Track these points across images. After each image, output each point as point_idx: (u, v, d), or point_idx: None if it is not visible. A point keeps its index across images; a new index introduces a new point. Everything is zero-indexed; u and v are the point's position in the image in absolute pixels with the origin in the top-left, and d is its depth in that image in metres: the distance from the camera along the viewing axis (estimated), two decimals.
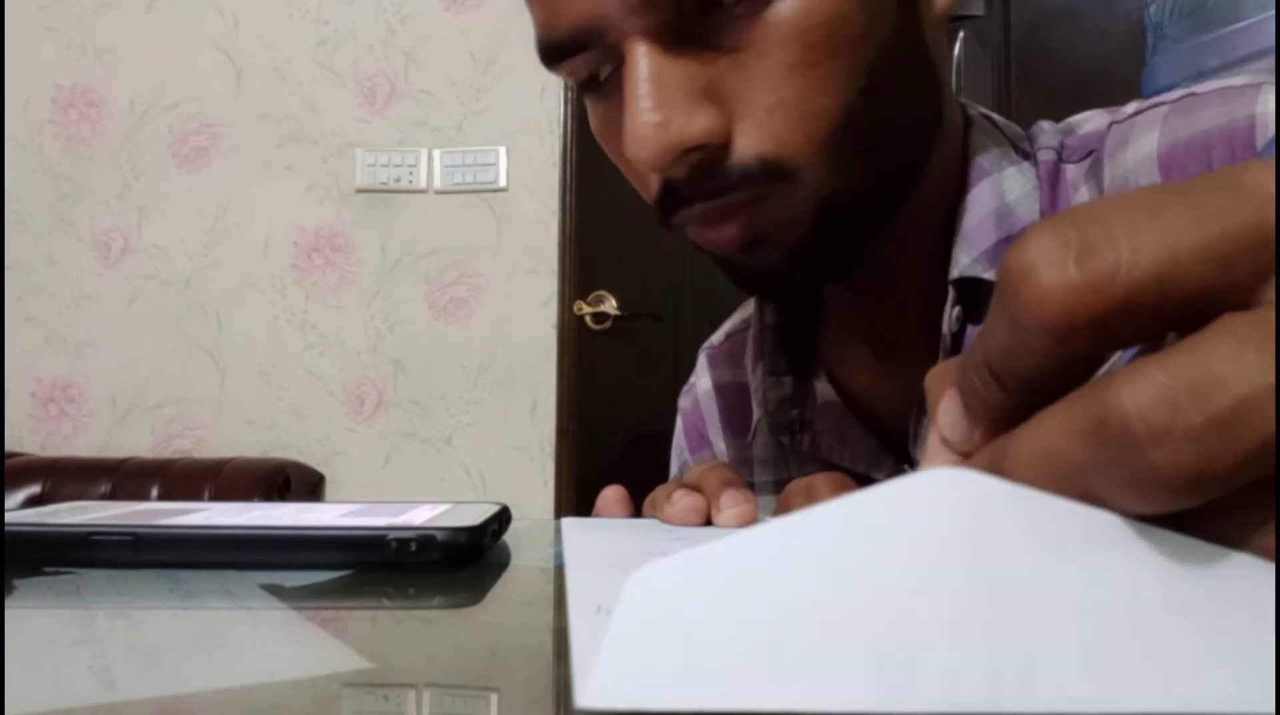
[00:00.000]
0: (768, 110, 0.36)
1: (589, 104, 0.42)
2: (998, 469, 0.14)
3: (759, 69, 0.35)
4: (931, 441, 0.17)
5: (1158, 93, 0.43)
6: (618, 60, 0.38)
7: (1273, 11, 1.03)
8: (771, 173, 0.36)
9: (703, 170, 0.36)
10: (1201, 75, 1.05)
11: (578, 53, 0.38)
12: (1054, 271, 0.13)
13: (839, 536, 0.13)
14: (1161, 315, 0.13)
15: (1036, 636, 0.12)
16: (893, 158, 0.40)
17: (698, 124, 0.35)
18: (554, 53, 0.39)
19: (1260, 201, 0.13)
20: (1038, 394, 0.14)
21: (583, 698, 0.13)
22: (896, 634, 0.13)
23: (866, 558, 0.13)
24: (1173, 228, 0.13)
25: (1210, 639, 0.12)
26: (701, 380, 0.60)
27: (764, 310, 0.52)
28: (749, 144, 0.36)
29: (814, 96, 0.36)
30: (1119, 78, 1.58)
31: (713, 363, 0.60)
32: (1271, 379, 0.12)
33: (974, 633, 0.13)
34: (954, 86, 0.54)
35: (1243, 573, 0.13)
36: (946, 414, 0.17)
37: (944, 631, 0.13)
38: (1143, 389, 0.12)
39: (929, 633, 0.13)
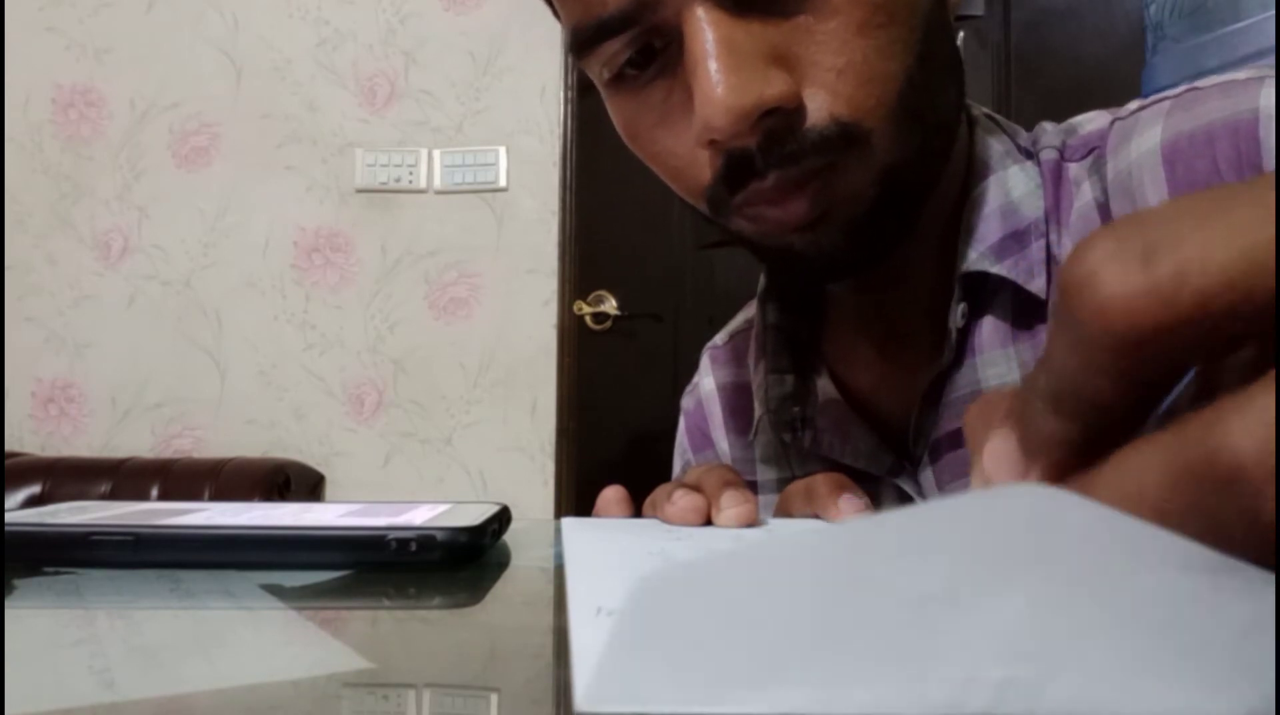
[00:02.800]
0: (837, 73, 0.35)
1: (616, 101, 0.41)
2: None
3: (823, 32, 0.35)
4: (975, 485, 0.15)
5: (1158, 92, 0.43)
6: (668, 37, 0.37)
7: (1273, 11, 1.03)
8: (846, 136, 0.36)
9: (778, 136, 0.35)
10: (1201, 75, 1.05)
11: (623, 31, 0.37)
12: (1117, 276, 0.11)
13: (862, 549, 0.12)
14: (1241, 320, 0.11)
15: (1061, 653, 0.12)
16: (935, 135, 0.40)
17: (775, 86, 0.34)
18: (596, 34, 0.37)
19: None
20: (1104, 425, 0.13)
21: (583, 701, 0.13)
22: (908, 644, 0.12)
23: (891, 570, 0.12)
24: (1248, 222, 0.11)
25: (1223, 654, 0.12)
26: (704, 380, 0.60)
27: (766, 309, 0.52)
28: (822, 107, 0.35)
29: (880, 60, 0.35)
30: (1119, 78, 1.58)
31: (715, 363, 0.60)
32: None
33: (994, 646, 0.12)
34: None
35: None
36: (997, 452, 0.14)
37: (963, 646, 0.12)
38: (1257, 425, 0.10)
39: (947, 646, 0.12)
